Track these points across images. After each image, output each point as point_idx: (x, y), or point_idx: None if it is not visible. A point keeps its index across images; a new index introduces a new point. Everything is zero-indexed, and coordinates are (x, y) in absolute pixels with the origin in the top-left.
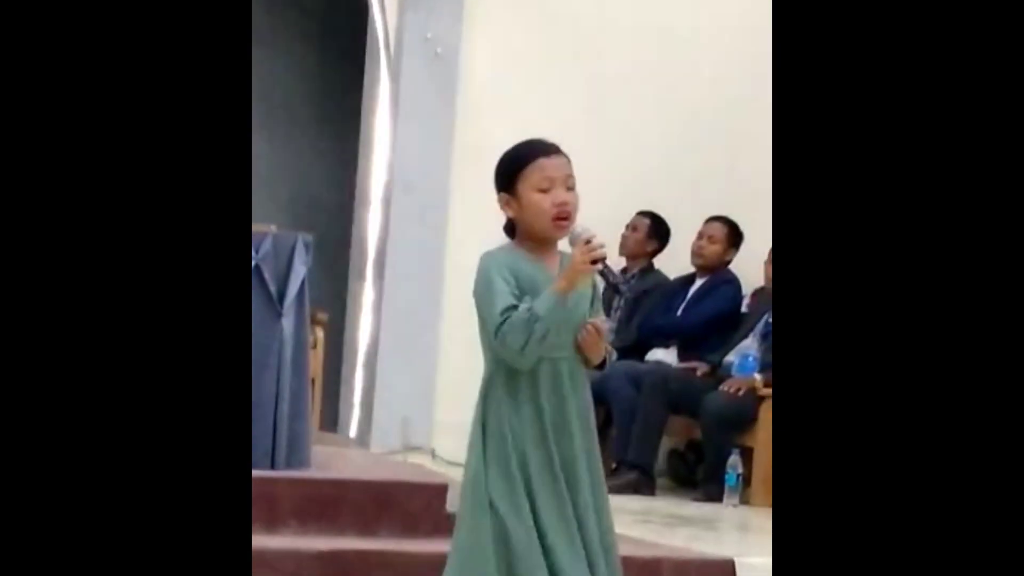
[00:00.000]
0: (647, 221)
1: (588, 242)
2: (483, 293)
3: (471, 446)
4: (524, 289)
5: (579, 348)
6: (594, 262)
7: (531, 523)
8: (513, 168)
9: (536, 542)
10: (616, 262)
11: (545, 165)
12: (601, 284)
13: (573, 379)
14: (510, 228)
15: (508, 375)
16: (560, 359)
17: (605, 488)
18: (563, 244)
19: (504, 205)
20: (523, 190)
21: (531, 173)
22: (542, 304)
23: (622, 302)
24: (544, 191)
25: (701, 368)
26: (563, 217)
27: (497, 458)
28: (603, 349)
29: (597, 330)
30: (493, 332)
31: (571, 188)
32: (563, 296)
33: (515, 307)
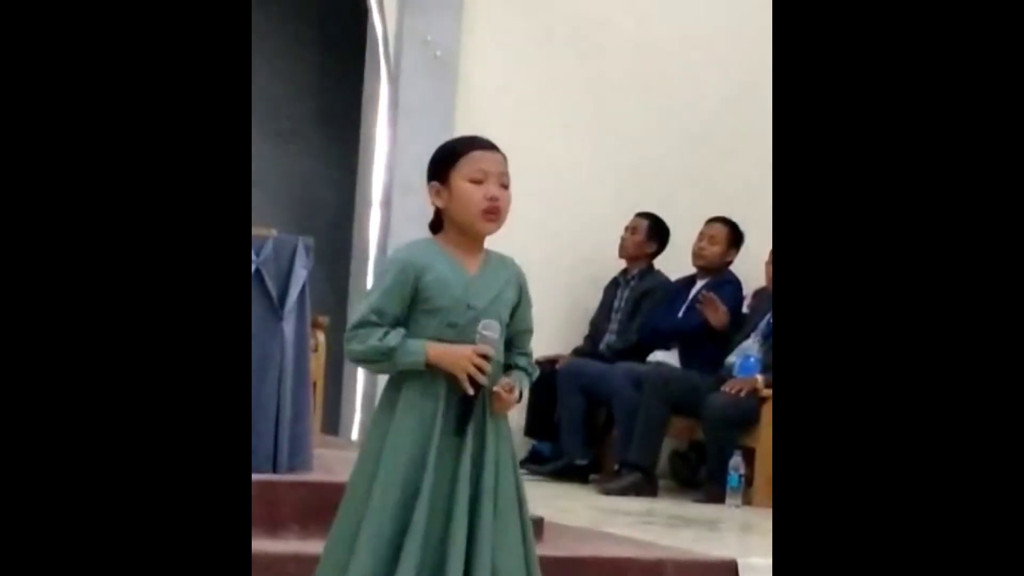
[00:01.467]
0: (646, 222)
1: (485, 358)
2: (375, 282)
3: (375, 422)
4: (428, 288)
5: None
6: (473, 382)
7: (397, 514)
8: (448, 158)
9: (387, 536)
10: (616, 264)
11: (480, 157)
12: (516, 296)
13: (496, 378)
14: (436, 222)
15: (403, 384)
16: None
17: (518, 497)
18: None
19: (434, 195)
20: (455, 180)
21: (465, 164)
22: (404, 355)
23: (623, 303)
24: (476, 182)
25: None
26: (492, 211)
27: (376, 447)
28: (513, 406)
29: (507, 391)
30: (350, 326)
31: (505, 186)
32: (426, 364)
33: (382, 321)
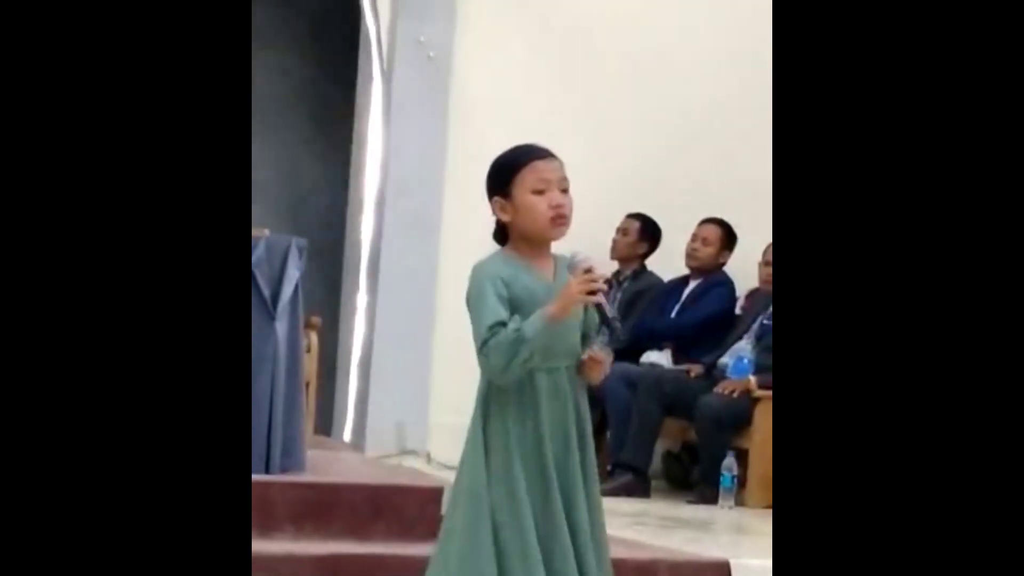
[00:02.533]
0: (637, 223)
1: (588, 271)
2: (473, 305)
3: (469, 452)
4: (518, 298)
5: (579, 368)
6: (592, 293)
7: (532, 536)
8: (508, 171)
9: (536, 555)
10: (608, 266)
11: (541, 167)
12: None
13: (572, 386)
14: (501, 234)
15: (513, 386)
16: (558, 368)
17: (598, 489)
18: (556, 247)
19: (498, 210)
20: (518, 193)
21: (527, 175)
22: (531, 327)
23: (616, 304)
24: (540, 193)
25: (695, 369)
26: (560, 218)
27: (498, 467)
28: (603, 375)
29: (597, 360)
30: (479, 347)
31: (565, 191)
32: (553, 321)
33: (503, 323)
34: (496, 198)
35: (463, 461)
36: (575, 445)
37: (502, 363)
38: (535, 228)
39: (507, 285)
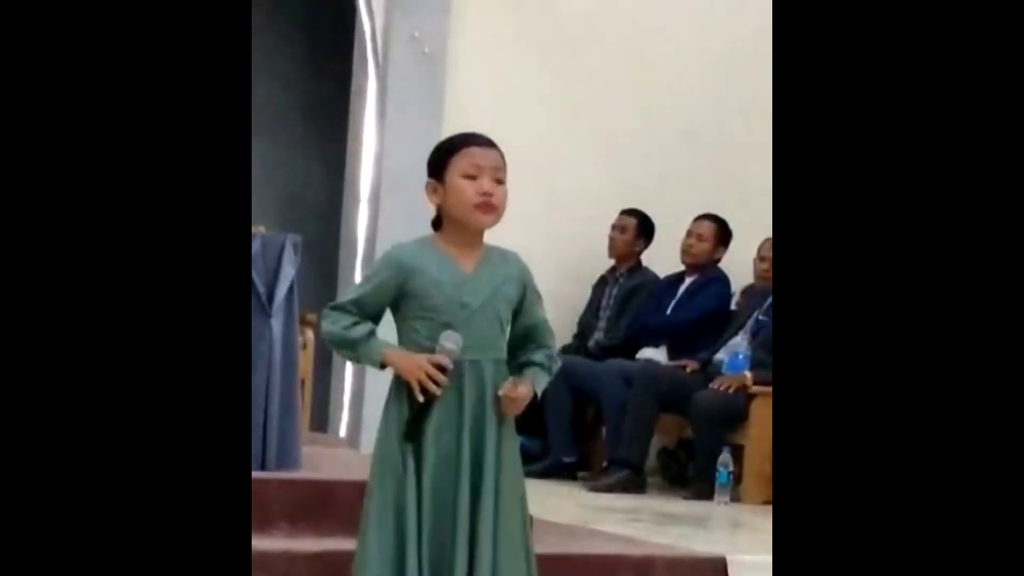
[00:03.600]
0: (634, 220)
1: (442, 369)
2: (367, 274)
3: (378, 442)
4: (418, 290)
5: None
6: (424, 391)
7: (412, 521)
8: (443, 154)
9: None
10: (604, 262)
11: (475, 153)
12: (520, 290)
13: (496, 376)
14: (438, 221)
15: None
16: (481, 359)
17: (518, 492)
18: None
19: (431, 192)
20: (450, 176)
21: (460, 160)
22: (364, 350)
23: (611, 301)
24: (471, 178)
25: (691, 365)
26: (486, 205)
27: (395, 453)
28: (523, 406)
29: (512, 393)
30: (329, 305)
31: (500, 181)
32: (381, 366)
33: (361, 311)
34: (430, 180)
35: (374, 449)
36: (490, 439)
37: (325, 336)
38: (460, 213)
39: (409, 276)
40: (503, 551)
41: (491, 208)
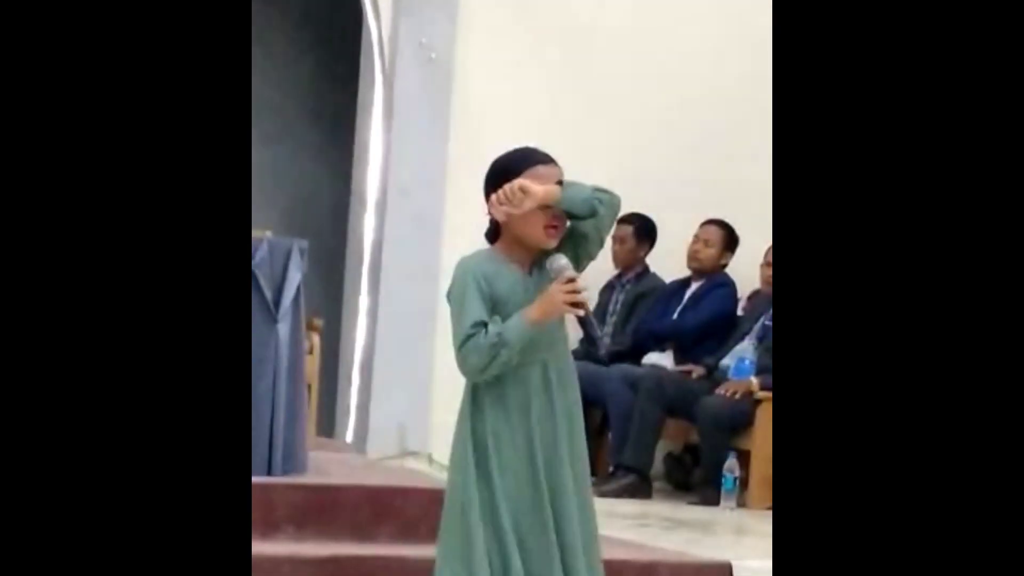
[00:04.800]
0: (630, 228)
1: (571, 281)
2: (456, 301)
3: (457, 450)
4: (500, 295)
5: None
6: (576, 305)
7: (511, 539)
8: (508, 173)
9: (513, 555)
10: (612, 267)
11: (542, 172)
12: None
13: (561, 379)
14: (493, 233)
15: (496, 381)
16: (547, 360)
17: (590, 489)
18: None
19: (494, 210)
20: None
21: (526, 179)
22: (512, 332)
23: (618, 306)
24: None
25: (697, 371)
26: (556, 228)
27: (483, 466)
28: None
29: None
30: (458, 346)
31: None
32: (535, 327)
33: (484, 324)
34: (493, 197)
35: (451, 459)
36: (564, 445)
37: (480, 365)
38: (529, 233)
39: (490, 283)
40: (595, 548)
41: (559, 231)
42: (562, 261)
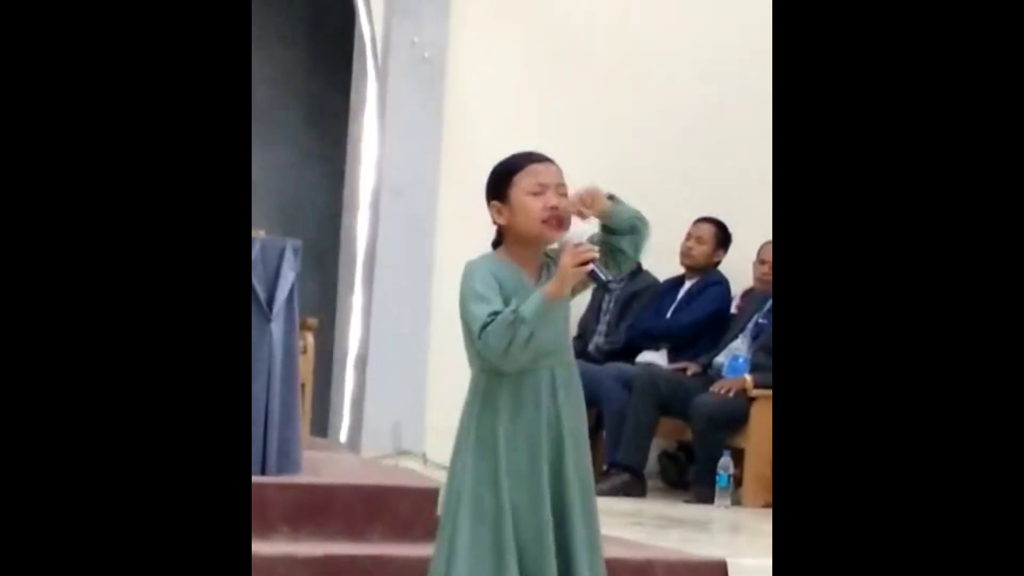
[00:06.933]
0: None
1: (578, 244)
2: (468, 297)
3: (459, 451)
4: (510, 296)
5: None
6: (583, 263)
7: (509, 538)
8: (506, 175)
9: (510, 555)
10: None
11: (538, 170)
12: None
13: (567, 385)
14: (498, 240)
15: (503, 384)
16: (554, 365)
17: (594, 492)
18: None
19: (496, 214)
20: (515, 195)
21: (523, 178)
22: (529, 307)
23: (611, 304)
24: (536, 195)
25: (691, 369)
26: (554, 219)
27: (487, 467)
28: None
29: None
30: (477, 332)
31: (563, 195)
32: (551, 300)
33: (495, 310)
34: (494, 202)
35: (453, 460)
36: (570, 450)
37: (502, 345)
38: (529, 228)
39: (500, 282)
40: (598, 550)
41: (559, 221)
42: (566, 236)
